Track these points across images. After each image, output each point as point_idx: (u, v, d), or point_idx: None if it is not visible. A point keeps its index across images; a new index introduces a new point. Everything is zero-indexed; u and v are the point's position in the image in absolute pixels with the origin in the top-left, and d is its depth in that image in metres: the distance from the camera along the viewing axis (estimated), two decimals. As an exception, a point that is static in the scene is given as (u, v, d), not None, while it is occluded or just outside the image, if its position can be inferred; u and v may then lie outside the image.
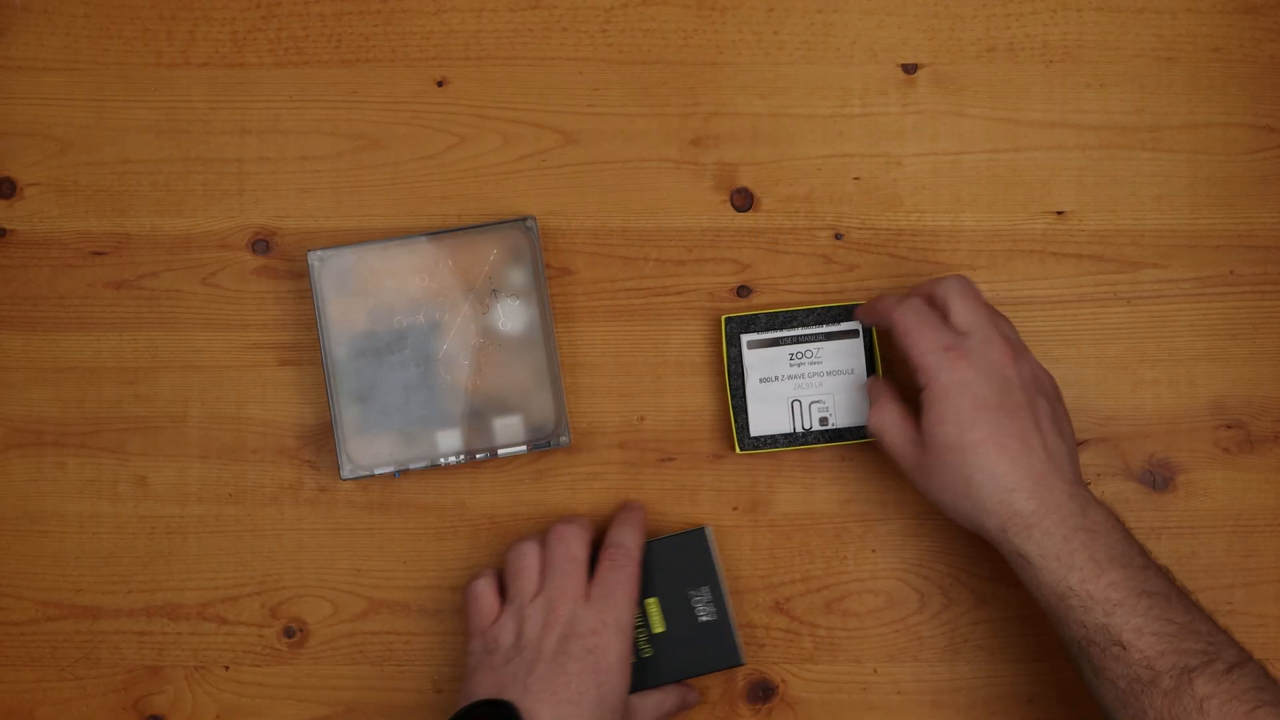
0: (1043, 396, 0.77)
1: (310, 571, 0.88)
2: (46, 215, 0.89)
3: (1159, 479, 0.87)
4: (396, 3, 0.89)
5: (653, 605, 0.84)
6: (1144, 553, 0.74)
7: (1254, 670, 0.70)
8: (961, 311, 0.77)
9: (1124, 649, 0.70)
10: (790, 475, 0.88)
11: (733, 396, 0.85)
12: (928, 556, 0.87)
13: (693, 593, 0.84)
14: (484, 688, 0.77)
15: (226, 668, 0.88)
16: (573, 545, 0.80)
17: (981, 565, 0.87)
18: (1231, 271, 0.88)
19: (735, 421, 0.86)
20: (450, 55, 0.89)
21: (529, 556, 0.81)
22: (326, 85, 0.89)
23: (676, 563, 0.84)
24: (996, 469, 0.74)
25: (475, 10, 0.89)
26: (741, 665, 0.85)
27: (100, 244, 0.89)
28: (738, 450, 0.86)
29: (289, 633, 0.88)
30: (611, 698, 0.77)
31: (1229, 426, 0.87)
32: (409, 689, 0.88)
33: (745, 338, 0.85)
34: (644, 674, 0.84)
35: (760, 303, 0.87)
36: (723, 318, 0.86)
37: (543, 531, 0.83)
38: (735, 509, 0.87)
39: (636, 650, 0.84)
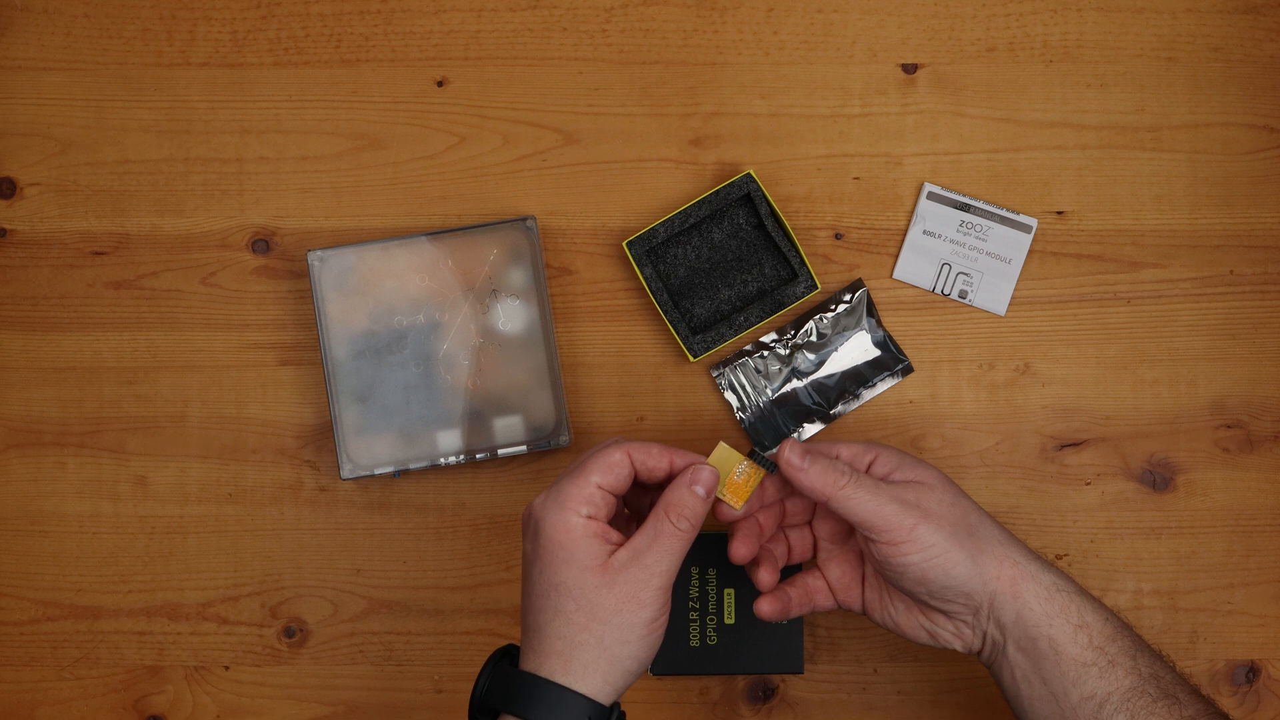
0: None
1: (310, 571, 0.88)
2: (46, 215, 0.89)
3: (1159, 479, 0.87)
4: (396, 3, 0.89)
5: (729, 597, 0.84)
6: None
7: None
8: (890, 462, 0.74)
9: (1179, 704, 0.70)
10: (790, 475, 0.88)
11: (665, 311, 0.86)
12: (928, 556, 0.87)
13: None
14: None
15: (226, 668, 0.88)
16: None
17: (981, 565, 0.87)
18: (1231, 271, 0.88)
19: (677, 333, 0.86)
20: (450, 55, 0.89)
21: None
22: (326, 85, 0.89)
23: None
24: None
25: (475, 10, 0.89)
26: (800, 673, 0.85)
27: (100, 244, 0.89)
28: (692, 359, 0.86)
29: (289, 633, 0.88)
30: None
31: (1229, 426, 0.87)
32: (409, 689, 0.88)
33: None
34: (704, 661, 0.84)
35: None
36: (624, 243, 0.86)
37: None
38: (735, 509, 0.88)
39: (703, 637, 0.84)
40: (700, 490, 0.71)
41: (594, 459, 0.71)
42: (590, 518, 0.69)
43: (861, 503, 0.71)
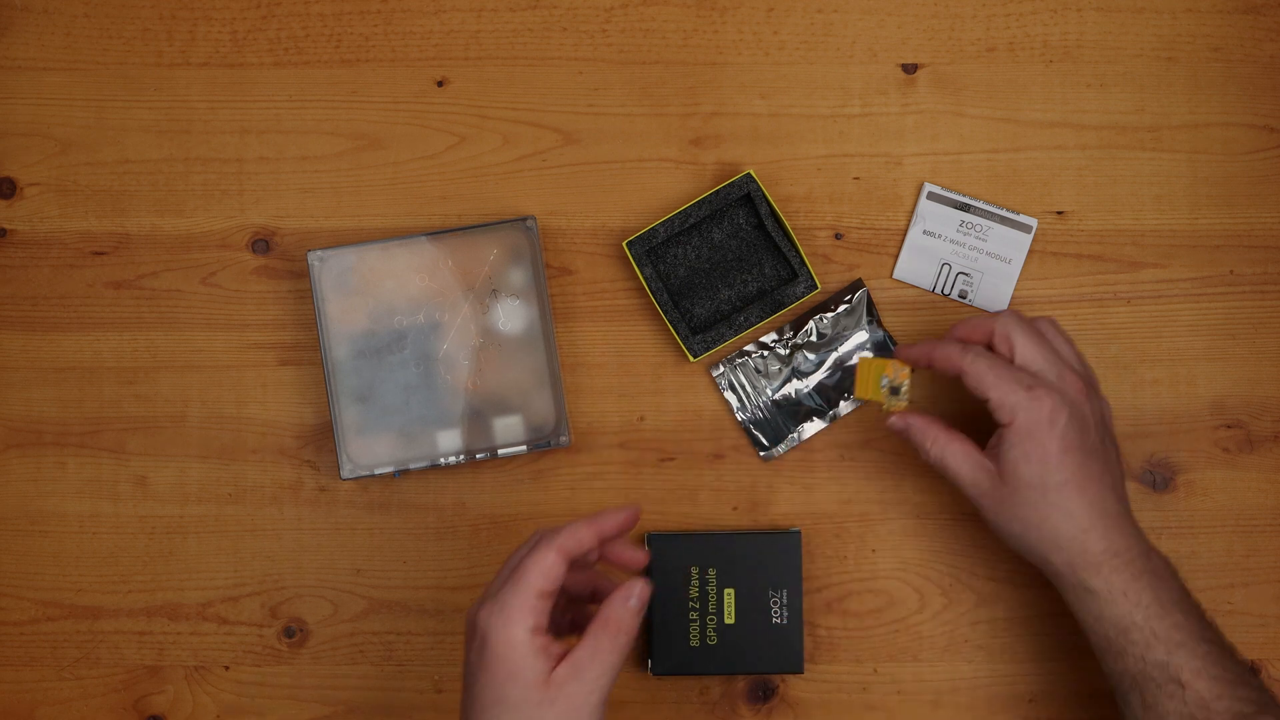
0: (1108, 435, 0.79)
1: (310, 571, 0.88)
2: (46, 215, 0.89)
3: (1159, 479, 0.87)
4: (396, 3, 0.89)
5: (729, 597, 0.84)
6: (1199, 605, 0.76)
7: None
8: (1027, 350, 0.78)
9: (1182, 688, 0.73)
10: (790, 475, 0.88)
11: (665, 311, 0.86)
12: (928, 556, 0.87)
13: (772, 593, 0.84)
14: None
15: (226, 668, 0.88)
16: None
17: (981, 565, 0.87)
18: (1231, 271, 0.88)
19: (677, 333, 0.86)
20: (450, 55, 0.89)
21: None
22: (326, 85, 0.89)
23: (763, 561, 0.85)
24: (1075, 510, 0.76)
25: (475, 10, 0.89)
26: (800, 673, 0.85)
27: (100, 244, 0.89)
28: (691, 359, 0.86)
29: (289, 633, 0.88)
30: None
31: (1229, 426, 0.87)
32: (409, 689, 0.88)
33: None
34: (704, 661, 0.84)
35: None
36: (624, 243, 0.86)
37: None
38: (735, 509, 0.87)
39: (703, 637, 0.84)
40: (634, 604, 0.72)
41: (531, 566, 0.71)
42: (534, 631, 0.70)
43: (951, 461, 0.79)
